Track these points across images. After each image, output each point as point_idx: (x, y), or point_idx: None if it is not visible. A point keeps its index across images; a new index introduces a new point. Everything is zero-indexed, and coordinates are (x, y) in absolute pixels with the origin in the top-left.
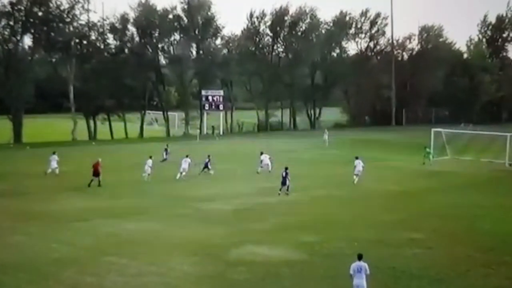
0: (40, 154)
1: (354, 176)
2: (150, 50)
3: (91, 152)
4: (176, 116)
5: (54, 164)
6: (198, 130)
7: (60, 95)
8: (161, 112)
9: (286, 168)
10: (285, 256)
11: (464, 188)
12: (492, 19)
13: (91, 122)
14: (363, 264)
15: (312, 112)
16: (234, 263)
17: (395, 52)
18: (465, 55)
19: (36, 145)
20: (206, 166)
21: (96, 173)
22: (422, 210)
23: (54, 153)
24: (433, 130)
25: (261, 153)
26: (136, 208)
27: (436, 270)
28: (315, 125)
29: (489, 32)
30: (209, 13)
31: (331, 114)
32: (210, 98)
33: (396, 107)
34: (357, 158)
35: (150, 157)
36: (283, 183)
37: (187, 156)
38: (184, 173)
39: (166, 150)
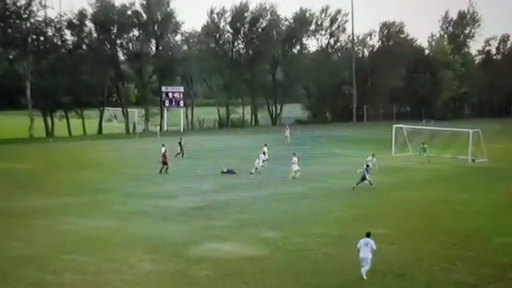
0: None
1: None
2: (109, 46)
3: (48, 149)
4: (135, 113)
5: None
6: (159, 127)
7: (17, 91)
8: (120, 109)
9: (367, 166)
10: (247, 253)
11: (426, 184)
12: (453, 15)
13: (49, 119)
14: (370, 240)
15: (274, 108)
16: (195, 260)
17: (356, 49)
18: (427, 51)
19: None
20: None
21: (164, 162)
22: (384, 206)
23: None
24: (394, 126)
25: (264, 153)
26: (94, 205)
27: (399, 265)
28: (276, 122)
29: (450, 28)
30: (168, 9)
31: (292, 110)
32: (170, 94)
33: (358, 104)
34: (373, 155)
35: (265, 145)
36: (363, 178)
37: (265, 145)
38: (261, 165)
39: (180, 143)
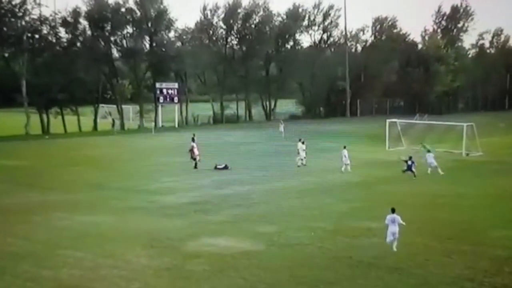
0: None
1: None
2: (103, 44)
3: (44, 146)
4: (130, 109)
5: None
6: (153, 123)
7: (13, 89)
8: (115, 105)
9: (411, 157)
10: (243, 247)
11: (421, 177)
12: (446, 9)
13: (44, 116)
14: (396, 216)
15: (268, 104)
16: (191, 255)
17: (349, 44)
18: (420, 46)
19: None
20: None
21: (193, 157)
22: (379, 200)
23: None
24: (388, 120)
25: (302, 142)
26: (90, 201)
27: (394, 259)
28: (270, 117)
29: (444, 23)
30: (161, 6)
31: (286, 106)
32: (164, 90)
33: (351, 99)
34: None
35: (345, 147)
36: (410, 169)
37: (301, 140)
38: (303, 160)
39: (193, 139)
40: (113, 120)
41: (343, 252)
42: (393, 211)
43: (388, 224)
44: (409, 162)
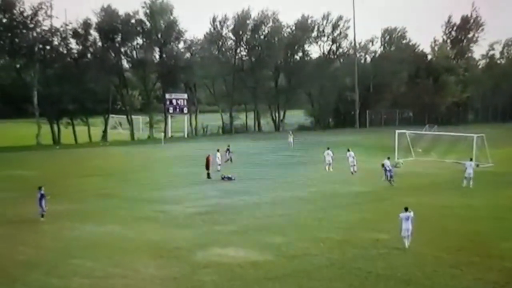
0: (4, 158)
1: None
2: (113, 55)
3: (55, 156)
4: (140, 120)
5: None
6: (163, 134)
7: (24, 100)
8: (125, 116)
9: (383, 165)
10: (251, 258)
11: (430, 188)
12: (456, 19)
13: (55, 127)
14: (409, 213)
15: (277, 114)
16: (200, 265)
17: (358, 55)
18: (429, 57)
19: (1, 150)
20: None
21: (207, 166)
22: (388, 211)
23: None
24: (397, 131)
25: (348, 149)
26: (100, 211)
27: (403, 270)
28: (279, 128)
29: (453, 33)
30: (171, 17)
31: (295, 116)
32: (174, 101)
33: (360, 110)
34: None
35: (388, 158)
36: (390, 175)
37: (328, 149)
38: (329, 166)
39: (228, 150)
40: (104, 133)
41: (352, 263)
42: (406, 209)
43: (402, 220)
44: (387, 168)
